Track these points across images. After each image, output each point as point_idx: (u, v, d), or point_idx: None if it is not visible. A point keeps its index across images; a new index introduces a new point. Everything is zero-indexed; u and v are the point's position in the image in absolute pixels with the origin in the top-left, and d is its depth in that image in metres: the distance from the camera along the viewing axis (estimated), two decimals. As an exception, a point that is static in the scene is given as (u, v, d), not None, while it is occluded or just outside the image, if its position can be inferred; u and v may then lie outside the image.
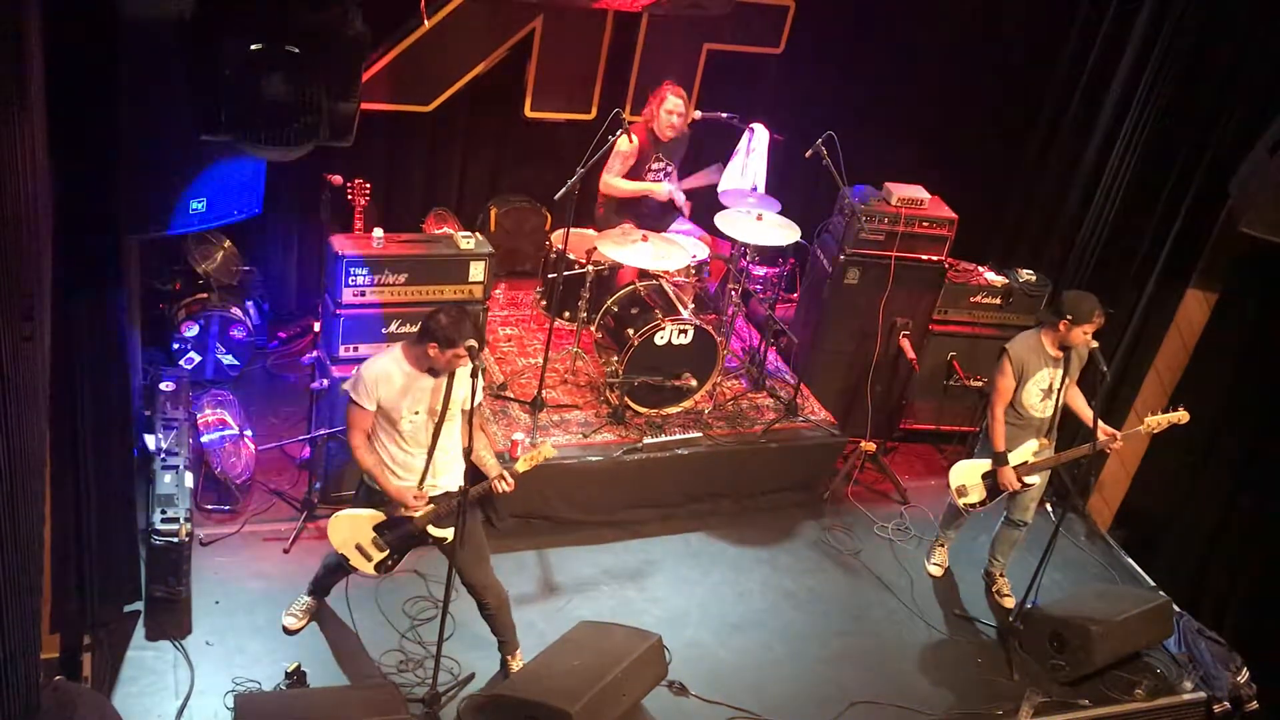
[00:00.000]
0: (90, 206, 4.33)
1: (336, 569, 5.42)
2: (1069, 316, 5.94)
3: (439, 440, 5.01)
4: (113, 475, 4.86)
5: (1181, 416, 6.14)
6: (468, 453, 4.79)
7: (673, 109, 6.92)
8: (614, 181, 7.08)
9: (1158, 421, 6.15)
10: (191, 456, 5.82)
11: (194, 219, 5.01)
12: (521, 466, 5.14)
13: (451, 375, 4.89)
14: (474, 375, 4.77)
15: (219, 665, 5.35)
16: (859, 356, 7.45)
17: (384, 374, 4.94)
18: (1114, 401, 7.53)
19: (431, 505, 5.10)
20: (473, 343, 4.79)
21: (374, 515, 5.11)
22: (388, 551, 5.16)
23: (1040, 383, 6.08)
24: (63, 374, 4.43)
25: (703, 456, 6.86)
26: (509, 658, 5.52)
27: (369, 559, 5.17)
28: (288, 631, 5.57)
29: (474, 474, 5.16)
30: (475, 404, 4.91)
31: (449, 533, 5.06)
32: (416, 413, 4.98)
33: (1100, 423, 6.09)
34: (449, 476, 5.15)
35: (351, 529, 5.15)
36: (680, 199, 7.18)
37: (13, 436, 3.36)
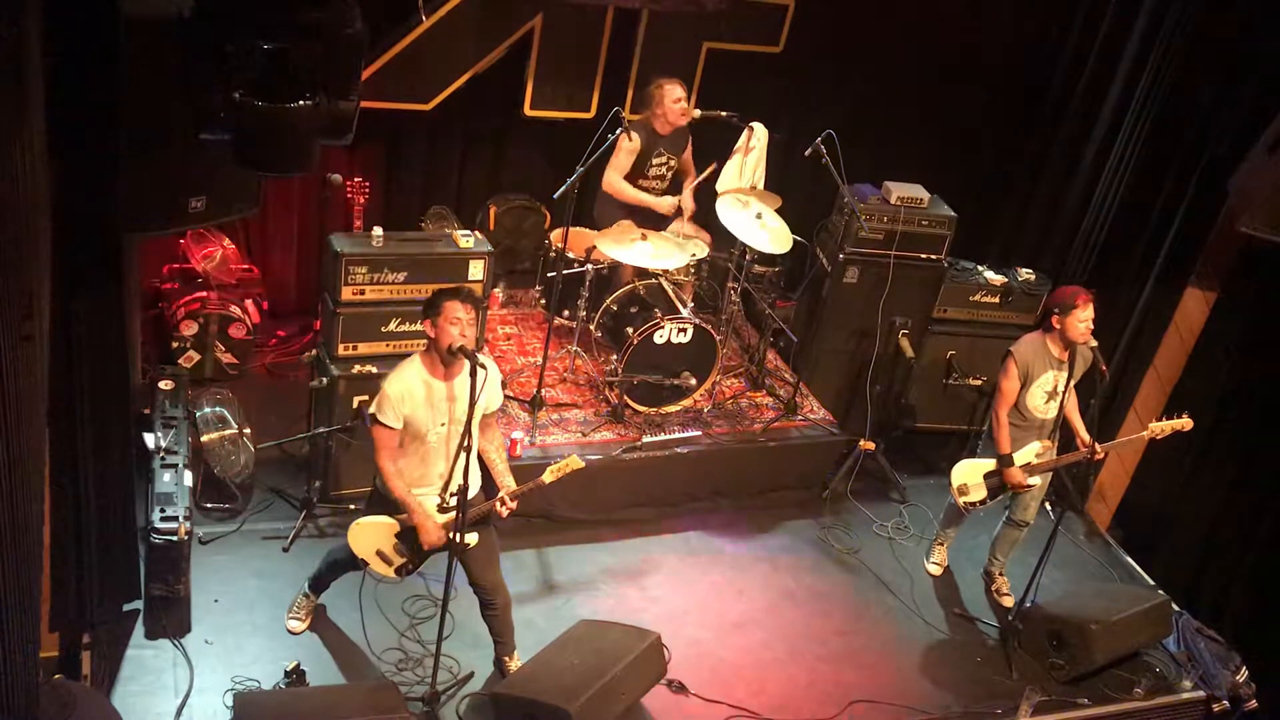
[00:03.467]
0: (90, 206, 4.32)
1: (340, 566, 5.40)
2: (1055, 310, 5.99)
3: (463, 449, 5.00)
4: (112, 474, 4.86)
5: (1185, 423, 6.15)
6: (470, 451, 4.76)
7: (679, 97, 6.98)
8: (618, 184, 7.09)
9: (1161, 428, 6.15)
10: (190, 455, 5.82)
11: (193, 217, 5.00)
12: (548, 477, 5.15)
13: (474, 383, 4.80)
14: (472, 374, 4.70)
15: (218, 664, 5.35)
16: (858, 355, 7.46)
17: (408, 388, 4.91)
18: (1113, 401, 7.53)
19: (453, 514, 5.06)
20: (463, 343, 4.78)
21: (393, 523, 5.11)
22: (408, 558, 5.16)
23: (1045, 385, 6.09)
24: (63, 374, 4.43)
25: (702, 455, 6.86)
26: (506, 659, 5.51)
27: (390, 564, 5.17)
28: (293, 633, 5.56)
29: (484, 475, 5.16)
30: (493, 408, 4.89)
31: (473, 538, 5.05)
32: (443, 424, 4.97)
33: (1083, 434, 6.12)
34: (467, 484, 5.12)
35: (374, 536, 5.13)
36: (689, 207, 7.19)
37: (12, 436, 3.36)
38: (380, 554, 5.15)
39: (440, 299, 4.86)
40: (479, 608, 5.36)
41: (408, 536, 5.11)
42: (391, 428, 4.91)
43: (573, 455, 5.24)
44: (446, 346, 4.83)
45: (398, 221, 6.90)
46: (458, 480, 4.99)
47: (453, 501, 5.00)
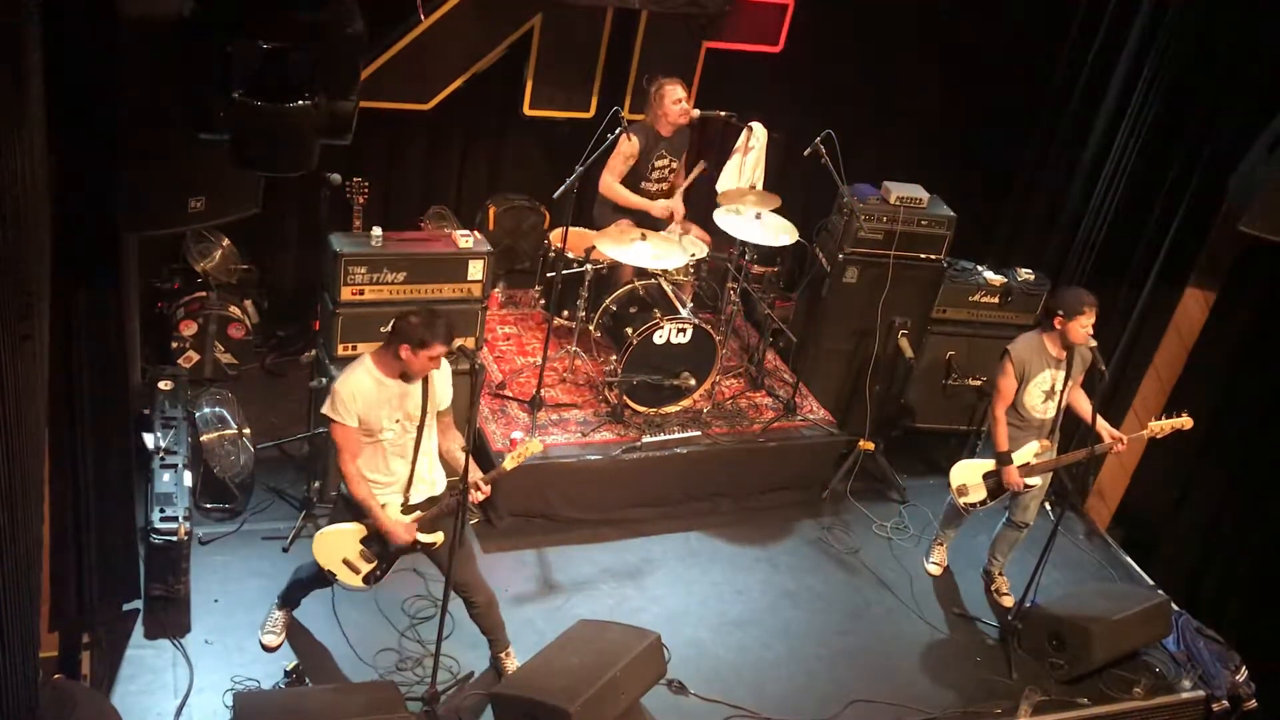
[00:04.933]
0: (90, 206, 4.33)
1: (309, 583, 5.35)
2: (1060, 312, 5.99)
3: (421, 446, 4.99)
4: (111, 474, 4.86)
5: (1186, 422, 6.15)
6: (466, 451, 4.77)
7: (679, 98, 6.97)
8: (614, 186, 7.09)
9: (1161, 427, 6.15)
10: (190, 455, 5.81)
11: (193, 217, 5.00)
12: (509, 464, 5.09)
13: (428, 378, 4.83)
14: (472, 373, 4.73)
15: (218, 664, 5.35)
16: (857, 355, 7.45)
17: (359, 386, 4.87)
18: (1113, 401, 7.52)
19: (418, 513, 5.05)
20: (462, 343, 4.77)
21: (358, 528, 5.05)
22: (375, 563, 5.09)
23: (1042, 384, 6.09)
24: (62, 373, 4.43)
25: (702, 455, 6.86)
26: (502, 655, 5.50)
27: (357, 572, 5.09)
28: (268, 649, 5.46)
29: (453, 472, 5.13)
30: (445, 404, 4.88)
31: (438, 537, 5.04)
32: (397, 421, 4.93)
33: (1107, 426, 6.11)
34: (431, 481, 5.12)
35: (337, 544, 5.07)
36: (680, 212, 7.20)
37: (12, 436, 3.37)
38: (346, 562, 5.07)
39: (430, 338, 4.75)
40: (464, 607, 5.34)
41: (374, 540, 5.06)
42: (347, 425, 4.87)
43: (534, 439, 5.20)
44: (415, 374, 4.84)
45: (397, 221, 6.90)
46: (426, 483, 5.00)
47: (414, 500, 4.99)
